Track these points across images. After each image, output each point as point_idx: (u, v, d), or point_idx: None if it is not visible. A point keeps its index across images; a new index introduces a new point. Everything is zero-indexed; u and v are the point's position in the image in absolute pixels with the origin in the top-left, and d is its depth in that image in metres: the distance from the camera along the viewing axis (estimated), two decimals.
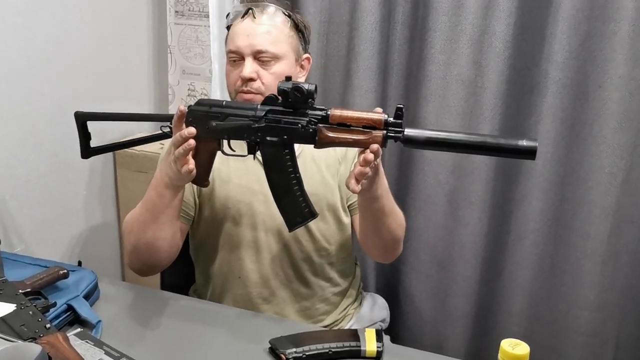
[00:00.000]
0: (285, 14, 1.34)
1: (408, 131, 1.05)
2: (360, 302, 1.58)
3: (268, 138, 1.11)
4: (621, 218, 1.63)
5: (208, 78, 2.17)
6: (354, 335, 1.13)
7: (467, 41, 1.64)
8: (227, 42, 1.35)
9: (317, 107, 1.09)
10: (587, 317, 1.70)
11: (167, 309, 1.25)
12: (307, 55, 1.40)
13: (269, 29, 1.31)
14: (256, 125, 1.11)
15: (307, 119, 1.09)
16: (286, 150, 1.13)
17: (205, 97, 2.17)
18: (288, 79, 1.10)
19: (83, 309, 1.12)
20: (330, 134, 1.08)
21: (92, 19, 1.85)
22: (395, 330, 1.87)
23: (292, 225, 1.16)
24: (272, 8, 1.33)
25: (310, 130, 1.09)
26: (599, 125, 1.58)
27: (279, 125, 1.10)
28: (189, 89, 2.23)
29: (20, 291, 1.08)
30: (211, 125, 1.13)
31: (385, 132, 1.05)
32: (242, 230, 1.37)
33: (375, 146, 1.05)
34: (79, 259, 1.31)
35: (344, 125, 1.07)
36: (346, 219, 1.42)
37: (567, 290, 1.72)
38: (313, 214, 1.15)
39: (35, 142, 1.71)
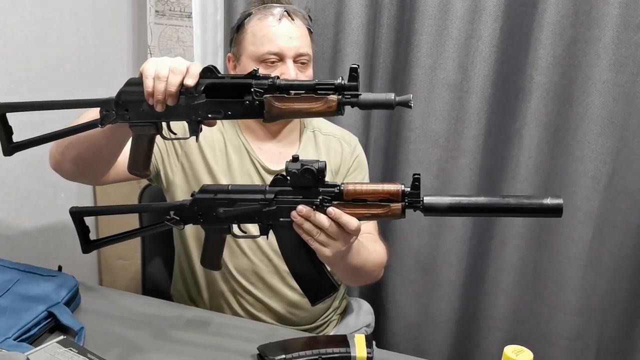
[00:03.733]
0: (308, 17, 1.38)
1: (427, 199, 0.99)
2: (345, 308, 1.57)
3: (281, 219, 1.06)
4: (604, 223, 1.64)
5: None
6: (344, 341, 1.11)
7: (453, 45, 1.64)
8: (252, 44, 1.32)
9: (329, 183, 1.04)
10: (569, 321, 1.71)
11: (150, 314, 1.22)
12: None
13: (305, 32, 1.35)
14: (267, 208, 1.06)
15: (321, 198, 1.03)
16: None
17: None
18: (295, 159, 1.04)
19: (64, 316, 1.09)
20: (347, 211, 1.02)
21: (72, 19, 1.81)
22: (379, 335, 1.86)
23: (314, 300, 1.11)
24: (301, 12, 1.36)
25: (325, 208, 1.03)
26: (582, 130, 1.59)
27: (292, 206, 1.04)
28: None
29: None
30: (219, 212, 1.08)
31: (403, 204, 1.01)
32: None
33: (299, 214, 1.01)
34: (58, 264, 1.27)
35: (359, 200, 1.03)
36: None
37: (550, 295, 1.73)
38: (335, 287, 1.10)
39: None
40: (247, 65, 1.32)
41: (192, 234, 1.38)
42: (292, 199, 1.05)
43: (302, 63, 1.33)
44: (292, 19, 1.32)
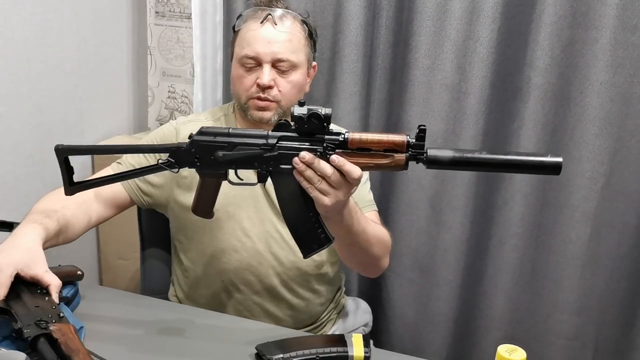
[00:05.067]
0: (302, 22, 1.33)
1: (431, 152, 1.00)
2: (343, 307, 1.57)
3: (282, 166, 1.04)
4: (601, 223, 1.65)
5: (189, 80, 2.14)
6: (341, 340, 1.11)
7: (452, 46, 1.64)
8: (237, 45, 1.31)
9: (334, 131, 1.03)
10: (567, 320, 1.72)
11: (150, 314, 1.23)
12: (314, 63, 1.39)
13: (290, 37, 1.29)
14: (268, 154, 1.04)
15: (325, 145, 1.02)
16: None
17: (186, 112, 2.16)
18: (301, 104, 1.02)
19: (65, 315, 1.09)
20: (350, 160, 1.01)
21: (72, 19, 1.82)
22: (377, 334, 1.87)
23: (307, 251, 1.09)
24: (292, 15, 1.31)
25: (328, 156, 1.01)
26: (580, 131, 1.60)
27: (294, 152, 1.02)
28: (169, 91, 2.21)
29: None
30: (217, 155, 1.05)
31: (407, 154, 1.01)
32: (227, 236, 1.36)
33: (302, 161, 1.00)
34: (58, 264, 1.27)
35: (363, 149, 1.02)
36: None
37: (547, 294, 1.74)
38: (329, 239, 1.08)
39: (12, 144, 1.67)
40: (233, 66, 1.33)
41: (192, 236, 1.38)
42: (295, 145, 1.03)
43: (282, 70, 1.29)
44: (275, 23, 1.28)
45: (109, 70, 2.04)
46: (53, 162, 1.58)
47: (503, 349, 0.81)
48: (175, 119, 2.17)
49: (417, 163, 1.01)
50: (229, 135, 1.06)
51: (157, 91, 2.22)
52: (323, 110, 1.01)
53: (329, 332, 1.49)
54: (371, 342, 1.14)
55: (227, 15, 1.82)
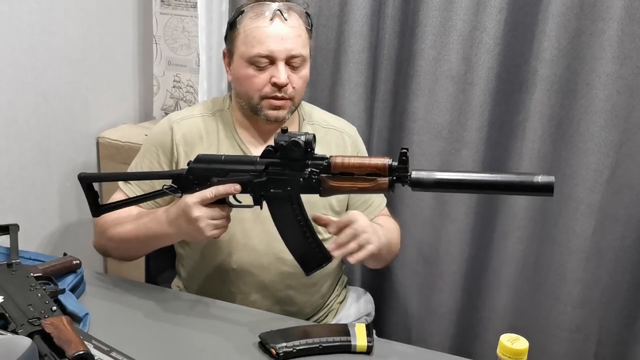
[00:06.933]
0: (305, 14, 1.32)
1: (415, 174, 1.01)
2: (345, 297, 1.58)
3: (272, 191, 1.09)
4: (606, 215, 1.64)
5: (194, 70, 2.15)
6: (344, 330, 1.12)
7: (458, 37, 1.63)
8: (243, 44, 1.27)
9: (318, 155, 1.07)
10: (570, 313, 1.72)
11: (154, 302, 1.24)
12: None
13: (299, 32, 1.28)
14: (258, 180, 1.09)
15: (309, 170, 1.06)
16: (292, 201, 1.11)
17: (192, 102, 2.16)
18: (284, 131, 1.07)
19: (70, 302, 1.10)
20: (334, 184, 1.05)
21: (77, 8, 1.82)
22: (380, 324, 1.87)
23: (308, 270, 1.15)
24: (297, 8, 1.29)
25: (313, 180, 1.06)
26: (586, 123, 1.59)
27: (281, 178, 1.08)
28: (174, 80, 2.21)
29: (32, 274, 1.12)
30: (213, 182, 1.11)
31: (390, 178, 1.02)
32: (228, 237, 1.34)
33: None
34: (63, 252, 1.28)
35: (347, 173, 1.04)
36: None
37: (551, 287, 1.73)
38: (327, 258, 1.13)
39: (18, 133, 1.67)
40: (239, 65, 1.29)
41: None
42: (281, 170, 1.08)
43: (295, 66, 1.28)
44: (285, 19, 1.26)
45: (115, 60, 2.05)
46: (59, 150, 1.60)
47: (505, 338, 0.82)
48: (180, 108, 2.18)
49: (403, 186, 1.03)
50: (222, 162, 1.13)
51: (163, 80, 2.22)
52: (303, 137, 1.05)
53: (332, 322, 1.50)
54: (374, 331, 1.14)
55: (232, 4, 1.81)
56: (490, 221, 1.77)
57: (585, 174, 1.62)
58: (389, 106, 1.80)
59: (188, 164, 1.13)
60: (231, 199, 1.14)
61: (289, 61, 1.27)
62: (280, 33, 1.25)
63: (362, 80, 1.74)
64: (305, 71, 1.31)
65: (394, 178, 1.02)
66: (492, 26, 1.60)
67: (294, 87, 1.28)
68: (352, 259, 1.12)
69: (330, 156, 1.06)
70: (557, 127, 1.64)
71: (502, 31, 1.61)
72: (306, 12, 1.32)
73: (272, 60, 1.26)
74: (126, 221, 1.28)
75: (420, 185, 1.01)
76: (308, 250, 1.13)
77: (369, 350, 1.10)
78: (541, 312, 1.76)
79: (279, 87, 1.26)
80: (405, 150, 1.01)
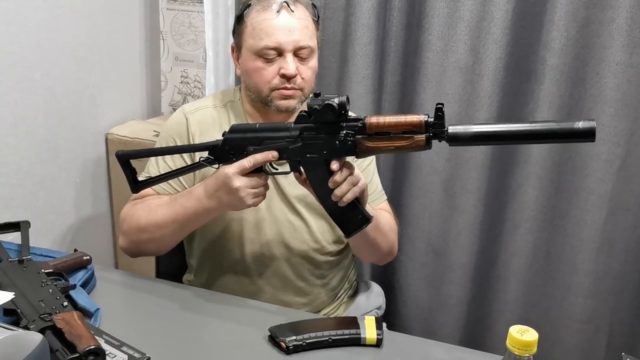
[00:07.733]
0: (312, 6, 1.32)
1: (452, 129, 0.99)
2: (356, 290, 1.57)
3: (308, 155, 1.09)
4: (617, 205, 1.63)
5: (201, 65, 2.15)
6: (354, 322, 1.12)
7: (465, 28, 1.63)
8: (251, 37, 1.28)
9: (352, 117, 1.05)
10: (581, 304, 1.71)
11: (165, 297, 1.24)
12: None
13: (306, 23, 1.28)
14: (293, 145, 1.09)
15: (344, 132, 1.05)
16: (329, 165, 1.09)
17: (199, 97, 2.16)
18: (317, 95, 1.05)
19: (81, 297, 1.10)
20: (370, 144, 1.04)
21: (84, 5, 1.82)
22: (391, 317, 1.87)
23: (348, 232, 1.14)
24: (304, 0, 1.30)
25: (349, 143, 1.05)
26: (596, 113, 1.58)
27: (317, 142, 1.07)
28: (182, 76, 2.21)
29: (43, 270, 1.12)
30: (249, 150, 1.11)
31: (427, 134, 1.01)
32: (239, 227, 1.35)
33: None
34: (74, 248, 1.29)
35: (382, 133, 1.03)
36: None
37: (562, 278, 1.73)
38: (367, 219, 1.12)
39: (27, 130, 1.68)
40: (247, 58, 1.29)
41: (205, 226, 1.38)
42: (316, 134, 1.07)
43: (303, 57, 1.28)
44: (292, 10, 1.26)
45: (122, 56, 2.05)
46: (67, 147, 1.60)
47: (515, 330, 0.81)
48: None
49: (440, 141, 1.01)
50: (257, 130, 1.12)
51: (170, 76, 2.22)
52: (337, 100, 1.03)
53: (342, 315, 1.50)
54: (384, 324, 1.14)
55: None
56: (500, 213, 1.76)
57: (596, 164, 1.61)
58: (397, 98, 1.80)
59: (223, 134, 1.13)
60: (268, 167, 1.14)
61: (297, 52, 1.27)
62: (287, 25, 1.26)
63: (369, 72, 1.73)
64: (313, 62, 1.31)
65: (431, 134, 1.00)
66: (500, 16, 1.59)
67: (303, 78, 1.28)
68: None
69: (365, 116, 1.05)
70: (566, 117, 1.63)
71: (510, 21, 1.60)
72: (312, 4, 1.33)
73: (280, 52, 1.26)
74: (159, 208, 1.27)
75: (458, 140, 0.99)
76: (347, 212, 1.11)
77: (378, 343, 1.09)
78: (552, 304, 1.75)
79: (288, 78, 1.27)
80: (441, 106, 0.99)
